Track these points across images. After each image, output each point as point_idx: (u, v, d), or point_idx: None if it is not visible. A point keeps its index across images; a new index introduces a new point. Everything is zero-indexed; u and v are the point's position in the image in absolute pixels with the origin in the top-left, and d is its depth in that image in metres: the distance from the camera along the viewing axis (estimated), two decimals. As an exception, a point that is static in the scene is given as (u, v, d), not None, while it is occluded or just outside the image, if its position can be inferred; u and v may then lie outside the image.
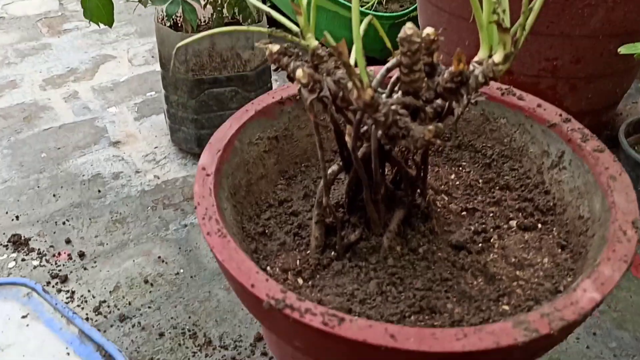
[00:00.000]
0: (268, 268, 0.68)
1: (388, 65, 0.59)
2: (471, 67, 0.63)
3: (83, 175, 1.30)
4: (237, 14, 1.28)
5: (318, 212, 0.69)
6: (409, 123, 0.56)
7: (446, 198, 0.78)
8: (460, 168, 0.83)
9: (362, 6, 1.46)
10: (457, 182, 0.81)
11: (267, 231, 0.72)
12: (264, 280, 0.54)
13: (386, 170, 0.76)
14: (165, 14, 1.08)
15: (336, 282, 0.66)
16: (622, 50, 0.92)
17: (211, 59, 1.23)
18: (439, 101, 0.63)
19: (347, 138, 0.66)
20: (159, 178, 1.30)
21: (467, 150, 0.84)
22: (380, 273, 0.67)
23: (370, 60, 1.70)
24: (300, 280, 0.67)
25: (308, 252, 0.70)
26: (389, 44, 0.67)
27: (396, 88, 0.61)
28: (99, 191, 1.26)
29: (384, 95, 0.61)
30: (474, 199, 0.78)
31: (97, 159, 1.35)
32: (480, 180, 0.80)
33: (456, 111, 0.65)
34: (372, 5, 1.46)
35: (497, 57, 0.59)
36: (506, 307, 0.61)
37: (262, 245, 0.70)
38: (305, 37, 0.58)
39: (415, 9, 1.34)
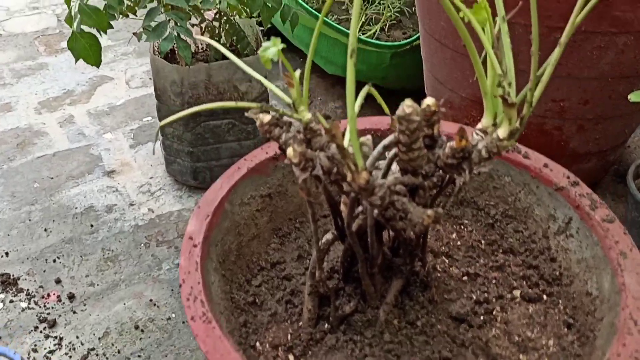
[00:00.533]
0: (257, 344, 0.64)
1: (385, 142, 0.55)
2: (474, 137, 0.60)
3: (76, 208, 1.27)
4: (235, 43, 1.25)
5: (311, 282, 0.65)
6: (407, 204, 0.53)
7: (447, 261, 0.75)
8: (462, 227, 0.79)
9: (363, 34, 1.42)
10: (459, 243, 0.77)
11: (257, 300, 0.69)
12: (249, 376, 0.50)
13: (384, 234, 0.73)
14: (159, 49, 1.04)
15: (329, 359, 0.63)
16: (632, 97, 0.89)
17: (208, 91, 1.19)
18: (440, 172, 0.60)
19: (342, 207, 0.63)
20: (153, 211, 1.27)
21: (470, 207, 0.80)
22: (375, 349, 0.63)
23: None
24: (291, 357, 0.64)
25: (300, 323, 0.67)
26: (386, 110, 0.63)
27: (394, 165, 0.57)
28: (92, 225, 1.23)
29: (379, 173, 0.58)
30: (476, 262, 0.74)
31: (90, 189, 1.32)
32: (483, 242, 0.76)
33: (458, 182, 0.61)
34: (374, 33, 1.42)
35: (502, 132, 0.55)
36: (509, 399, 0.57)
37: (252, 316, 0.67)
38: (298, 109, 0.54)
39: (419, 37, 1.31)
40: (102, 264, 1.14)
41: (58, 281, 1.10)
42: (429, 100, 0.56)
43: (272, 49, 0.49)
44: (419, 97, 1.52)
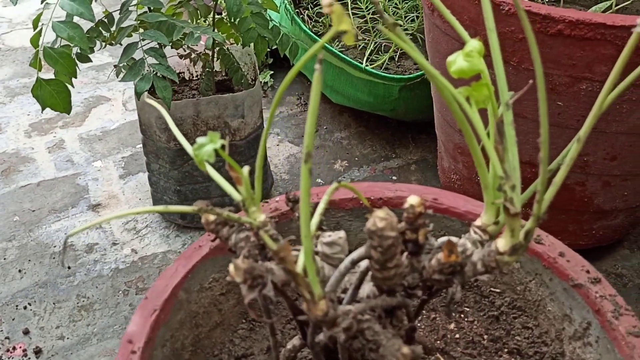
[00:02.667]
0: None
1: (354, 255, 0.45)
2: (471, 235, 0.49)
3: (54, 246, 1.19)
4: (229, 74, 1.15)
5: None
6: (379, 335, 0.42)
7: (442, 359, 0.64)
8: (462, 315, 0.68)
9: (371, 63, 1.32)
10: (457, 336, 0.66)
11: (213, 407, 0.59)
12: None
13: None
14: (135, 91, 0.95)
15: None
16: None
17: (196, 127, 1.10)
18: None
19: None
20: (136, 252, 1.18)
21: (472, 292, 0.69)
22: None
23: (381, 119, 1.56)
24: None
25: None
26: (365, 202, 0.52)
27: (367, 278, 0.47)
28: (69, 268, 1.14)
29: (350, 280, 0.47)
30: (476, 363, 0.63)
31: (72, 225, 1.24)
32: (486, 337, 0.65)
33: (450, 291, 0.51)
34: (384, 62, 1.31)
35: (503, 244, 0.44)
36: None
37: None
38: (249, 210, 0.44)
39: (430, 70, 1.19)
40: (76, 313, 1.05)
41: (26, 332, 1.02)
42: (412, 200, 0.45)
43: (207, 146, 0.39)
44: (431, 129, 1.37)
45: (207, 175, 1.21)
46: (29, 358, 0.98)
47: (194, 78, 1.27)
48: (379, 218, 0.41)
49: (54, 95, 0.85)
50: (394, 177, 1.37)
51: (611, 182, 0.95)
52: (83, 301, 1.08)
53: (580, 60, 0.80)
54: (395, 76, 1.23)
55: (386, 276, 0.43)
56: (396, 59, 1.35)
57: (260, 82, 1.26)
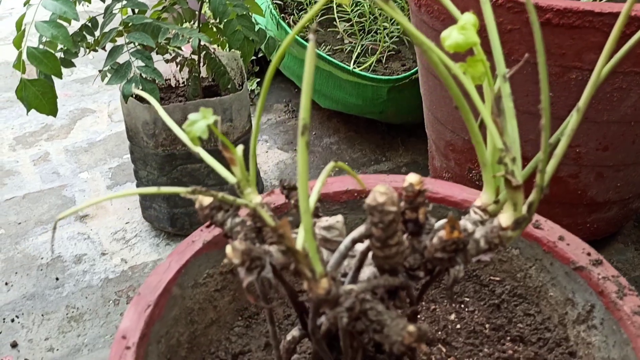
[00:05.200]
0: None
1: (354, 234, 0.44)
2: (471, 216, 0.48)
3: (42, 258, 1.16)
4: (215, 78, 1.14)
5: (274, 390, 0.53)
6: (383, 315, 0.41)
7: (444, 349, 0.62)
8: (463, 306, 0.67)
9: (358, 66, 1.31)
10: (458, 326, 0.65)
11: (211, 406, 0.57)
12: None
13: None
14: (122, 93, 0.94)
15: None
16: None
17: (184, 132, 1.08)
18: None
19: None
20: (126, 262, 1.15)
21: (471, 281, 0.68)
22: None
23: (370, 124, 1.56)
24: None
25: None
26: (362, 184, 0.51)
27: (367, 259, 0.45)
28: (57, 279, 1.11)
29: (350, 264, 0.46)
30: (479, 352, 0.62)
31: (59, 237, 1.21)
32: (487, 326, 0.64)
33: (452, 272, 0.49)
34: (371, 64, 1.31)
35: (505, 219, 0.43)
36: None
37: None
38: (244, 192, 0.43)
39: (418, 71, 1.19)
40: (65, 324, 1.03)
41: (14, 345, 0.99)
42: (411, 178, 0.44)
43: (200, 122, 0.37)
44: (420, 131, 1.36)
45: (197, 181, 1.18)
46: (18, 372, 0.95)
47: (181, 85, 1.26)
48: (379, 193, 0.39)
49: (39, 97, 0.83)
50: (385, 180, 1.36)
51: (604, 173, 0.95)
52: (72, 312, 1.05)
53: (570, 49, 0.80)
54: (383, 77, 1.23)
55: (388, 255, 0.42)
56: (383, 62, 1.35)
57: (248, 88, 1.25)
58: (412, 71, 1.23)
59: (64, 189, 1.34)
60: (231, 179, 0.44)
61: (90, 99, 1.68)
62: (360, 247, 0.48)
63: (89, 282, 1.11)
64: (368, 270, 0.48)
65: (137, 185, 1.17)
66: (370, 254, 0.47)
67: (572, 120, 0.42)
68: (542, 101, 0.38)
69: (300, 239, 0.39)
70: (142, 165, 1.13)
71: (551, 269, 0.61)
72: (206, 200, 0.45)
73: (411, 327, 0.39)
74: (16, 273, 1.13)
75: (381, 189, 0.40)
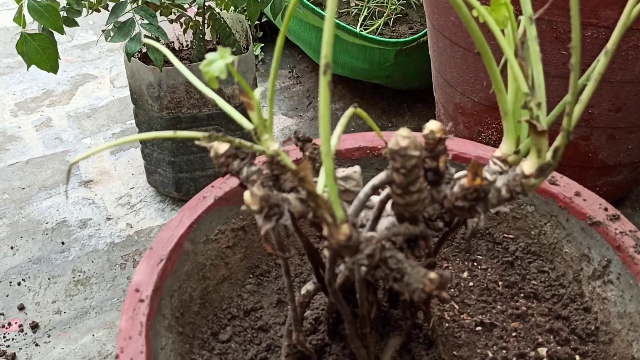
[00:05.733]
0: (221, 419, 0.52)
1: (374, 181, 0.43)
2: (491, 167, 0.47)
3: (47, 223, 1.15)
4: (220, 40, 1.12)
5: (289, 343, 0.53)
6: (403, 263, 0.40)
7: (457, 307, 0.62)
8: (475, 264, 0.66)
9: (365, 29, 1.29)
10: (471, 284, 0.64)
11: (224, 360, 0.56)
12: None
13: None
14: (125, 50, 0.92)
15: None
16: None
17: (189, 95, 1.07)
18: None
19: (325, 252, 0.50)
20: (131, 227, 1.15)
21: (484, 239, 0.67)
22: None
23: (376, 90, 1.54)
24: None
25: (276, 389, 0.55)
26: (379, 133, 0.50)
27: (387, 208, 0.44)
28: (63, 243, 1.11)
29: (367, 215, 0.45)
30: (492, 309, 0.61)
31: (64, 202, 1.20)
32: (500, 283, 0.64)
33: (470, 224, 0.49)
34: (378, 27, 1.29)
35: (529, 167, 0.42)
36: None
37: (217, 382, 0.55)
38: (261, 138, 0.42)
39: (426, 33, 1.17)
40: (72, 287, 1.03)
41: (21, 308, 0.99)
42: (432, 125, 0.43)
43: (218, 62, 0.36)
44: (427, 97, 1.34)
45: (202, 146, 1.18)
46: (26, 333, 0.95)
47: (184, 48, 1.23)
48: (402, 137, 0.38)
49: (39, 52, 0.81)
50: (391, 146, 1.35)
51: (616, 135, 0.93)
52: (79, 276, 1.05)
53: (585, 4, 0.78)
54: (390, 40, 1.21)
55: (409, 202, 0.41)
56: (390, 24, 1.33)
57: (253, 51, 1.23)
58: (420, 34, 1.21)
59: (67, 155, 1.33)
60: (248, 125, 0.42)
61: (91, 65, 1.65)
62: (376, 199, 0.47)
63: (94, 246, 1.11)
64: (386, 222, 0.47)
65: (142, 150, 1.16)
66: (388, 205, 0.47)
67: (600, 63, 0.41)
68: (573, 39, 0.37)
69: (320, 183, 0.38)
70: (146, 128, 1.12)
71: (567, 225, 0.60)
72: (222, 148, 0.44)
73: (433, 274, 0.39)
74: (21, 237, 1.12)
75: (404, 132, 0.38)
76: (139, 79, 1.06)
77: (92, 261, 1.07)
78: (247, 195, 0.39)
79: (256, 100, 0.40)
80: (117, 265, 1.07)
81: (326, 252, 0.48)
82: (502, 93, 0.45)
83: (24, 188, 1.24)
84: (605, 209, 0.58)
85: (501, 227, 0.66)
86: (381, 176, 0.42)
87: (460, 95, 1.02)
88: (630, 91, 0.86)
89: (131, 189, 1.24)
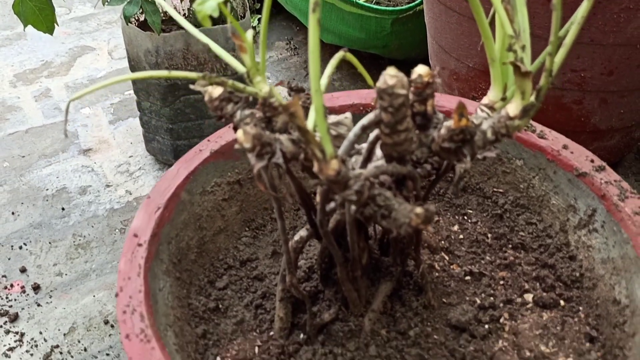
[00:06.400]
0: (218, 359, 0.54)
1: (364, 121, 0.44)
2: (478, 114, 0.48)
3: (47, 190, 1.17)
4: (217, 8, 1.12)
5: (283, 287, 0.55)
6: (391, 200, 0.42)
7: (447, 257, 0.64)
8: (466, 217, 0.68)
9: (362, -3, 1.29)
10: (461, 236, 0.66)
11: (221, 305, 0.58)
12: (190, 415, 0.40)
13: (371, 229, 0.62)
14: (123, 14, 0.93)
15: (303, 378, 0.53)
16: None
17: (186, 61, 1.08)
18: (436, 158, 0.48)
19: (317, 198, 0.52)
20: (130, 194, 1.16)
21: (475, 194, 0.69)
22: (359, 366, 0.53)
23: (373, 60, 1.54)
24: (257, 376, 0.54)
25: (271, 333, 0.57)
26: (370, 80, 0.51)
27: (376, 149, 0.46)
28: (63, 209, 1.13)
29: (357, 161, 0.47)
30: (481, 260, 0.63)
31: (64, 169, 1.22)
32: (490, 235, 0.65)
33: (458, 168, 0.50)
34: (374, -4, 1.29)
35: (513, 108, 0.43)
36: None
37: (214, 325, 0.56)
38: (253, 80, 0.43)
39: (422, 2, 1.18)
40: (72, 251, 1.05)
41: (23, 270, 1.01)
42: (420, 70, 0.44)
43: (210, 1, 0.37)
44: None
45: (200, 113, 1.18)
46: (28, 294, 0.97)
47: (182, 16, 1.24)
48: (390, 75, 0.40)
49: (36, 13, 0.82)
50: (388, 115, 1.36)
51: (608, 99, 0.95)
52: (79, 240, 1.07)
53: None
54: (387, 8, 1.21)
55: (397, 141, 0.43)
56: (387, -6, 1.33)
57: (250, 18, 1.23)
58: (417, 2, 1.22)
59: (67, 124, 1.34)
60: (241, 68, 0.44)
61: (89, 37, 1.66)
62: (365, 146, 0.49)
63: (94, 212, 1.12)
64: (372, 167, 0.48)
65: (140, 118, 1.17)
66: (379, 151, 0.48)
67: (583, 7, 0.42)
68: (554, -21, 0.38)
69: (311, 119, 0.39)
70: (144, 96, 1.13)
71: (554, 177, 0.62)
72: (216, 92, 0.45)
73: (419, 209, 0.40)
74: (22, 203, 1.14)
75: (391, 71, 0.40)
76: (137, 46, 1.07)
77: (92, 226, 1.09)
78: (239, 133, 0.41)
79: (249, 42, 0.42)
80: (117, 230, 1.08)
81: (318, 198, 0.49)
82: (489, 40, 0.47)
83: (24, 156, 1.25)
84: (592, 161, 0.60)
85: (491, 181, 0.68)
86: (370, 116, 0.43)
87: (455, 61, 1.03)
88: (622, 54, 0.87)
89: (130, 157, 1.25)
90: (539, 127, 0.63)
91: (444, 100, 0.68)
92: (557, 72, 0.43)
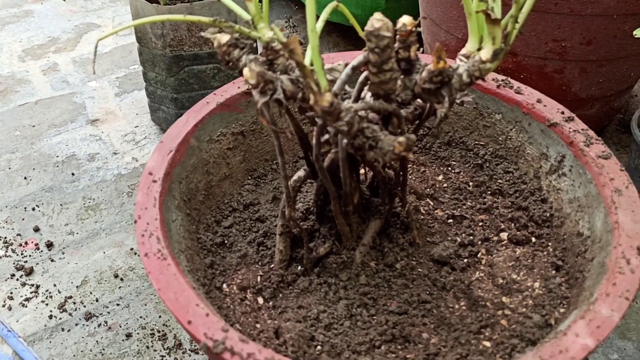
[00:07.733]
0: (224, 286, 0.60)
1: (354, 62, 0.50)
2: (457, 62, 0.54)
3: (57, 156, 1.23)
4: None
5: (282, 222, 0.61)
6: (378, 132, 0.48)
7: (432, 203, 0.70)
8: (450, 168, 0.74)
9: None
10: (445, 185, 0.72)
11: (226, 241, 0.64)
12: (203, 315, 0.46)
13: (362, 172, 0.68)
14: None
15: (300, 302, 0.59)
16: (638, 33, 0.82)
17: (190, 33, 1.13)
18: (419, 101, 0.55)
19: (313, 141, 0.58)
20: (137, 160, 1.22)
21: (458, 147, 0.75)
22: (350, 292, 0.59)
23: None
24: (260, 300, 0.60)
25: (272, 265, 0.63)
26: (359, 31, 0.57)
27: (365, 89, 0.52)
28: (73, 174, 1.19)
29: (349, 100, 0.53)
30: (463, 205, 0.69)
31: (72, 138, 1.28)
32: (471, 183, 0.72)
33: (439, 113, 0.56)
34: (369, -26, 1.35)
35: (485, 53, 0.50)
36: (487, 344, 0.53)
37: (220, 258, 0.63)
38: (257, 27, 0.49)
39: (415, -21, 1.23)
40: (83, 212, 1.11)
41: (37, 229, 1.07)
42: (405, 19, 0.50)
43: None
44: (419, 43, 1.41)
45: (203, 83, 1.24)
46: (42, 250, 1.03)
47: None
48: (376, 19, 0.46)
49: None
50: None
51: (587, 69, 1.01)
52: (89, 202, 1.13)
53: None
54: (381, -15, 1.27)
55: (383, 80, 0.49)
56: (382, -28, 1.39)
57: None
58: (410, -21, 1.27)
59: (74, 96, 1.40)
60: (245, 15, 0.50)
61: (94, 15, 1.71)
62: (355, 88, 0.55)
63: (103, 177, 1.18)
64: (361, 102, 0.54)
65: (146, 88, 1.23)
66: (368, 96, 0.54)
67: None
68: None
69: (307, 55, 0.45)
70: (150, 66, 1.18)
71: (529, 128, 0.68)
72: (224, 38, 0.51)
73: (401, 138, 0.46)
74: (34, 169, 1.20)
75: (377, 16, 0.46)
76: (143, 17, 1.12)
77: (101, 190, 1.15)
78: (245, 71, 0.47)
79: (254, -8, 0.47)
80: (125, 194, 1.15)
81: (315, 135, 0.55)
82: (466, -3, 0.53)
83: (34, 126, 1.31)
84: (562, 112, 0.66)
85: (473, 135, 0.74)
86: (359, 58, 0.49)
87: (445, 33, 1.09)
88: (599, 24, 0.93)
89: (136, 127, 1.31)
90: (516, 84, 0.69)
91: (428, 60, 0.73)
92: (524, 20, 0.49)
